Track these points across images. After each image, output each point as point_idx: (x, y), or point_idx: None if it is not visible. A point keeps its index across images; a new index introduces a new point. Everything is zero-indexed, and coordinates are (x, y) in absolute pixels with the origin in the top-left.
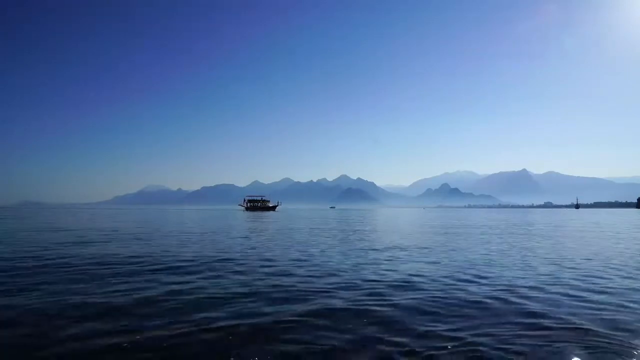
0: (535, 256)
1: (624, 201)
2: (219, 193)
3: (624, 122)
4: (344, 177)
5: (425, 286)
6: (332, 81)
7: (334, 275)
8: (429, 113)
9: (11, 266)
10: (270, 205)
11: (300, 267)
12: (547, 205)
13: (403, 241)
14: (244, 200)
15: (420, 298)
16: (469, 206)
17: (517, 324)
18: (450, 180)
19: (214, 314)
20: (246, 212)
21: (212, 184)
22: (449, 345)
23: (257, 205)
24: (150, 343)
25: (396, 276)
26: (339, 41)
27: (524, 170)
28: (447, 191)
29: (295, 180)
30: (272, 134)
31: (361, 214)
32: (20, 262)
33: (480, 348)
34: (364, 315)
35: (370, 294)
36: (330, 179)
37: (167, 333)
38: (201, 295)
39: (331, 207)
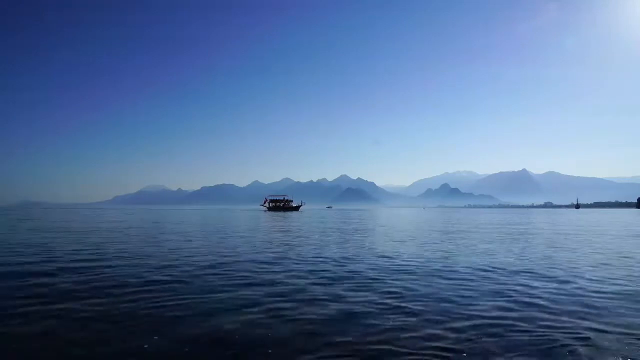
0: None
1: (624, 201)
2: (219, 193)
3: (624, 122)
4: (344, 177)
5: None
6: (332, 81)
7: None
8: (429, 113)
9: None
10: (294, 205)
11: None
12: (547, 205)
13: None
14: (265, 200)
15: None
16: (469, 206)
17: None
18: (450, 180)
19: None
20: (269, 212)
21: (212, 184)
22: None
23: (280, 205)
24: None
25: None
26: (339, 41)
27: (524, 170)
28: (447, 191)
29: (296, 180)
30: (272, 134)
31: (362, 214)
32: None
33: None
34: None
35: None
36: (330, 179)
37: None
38: None
39: (328, 207)
